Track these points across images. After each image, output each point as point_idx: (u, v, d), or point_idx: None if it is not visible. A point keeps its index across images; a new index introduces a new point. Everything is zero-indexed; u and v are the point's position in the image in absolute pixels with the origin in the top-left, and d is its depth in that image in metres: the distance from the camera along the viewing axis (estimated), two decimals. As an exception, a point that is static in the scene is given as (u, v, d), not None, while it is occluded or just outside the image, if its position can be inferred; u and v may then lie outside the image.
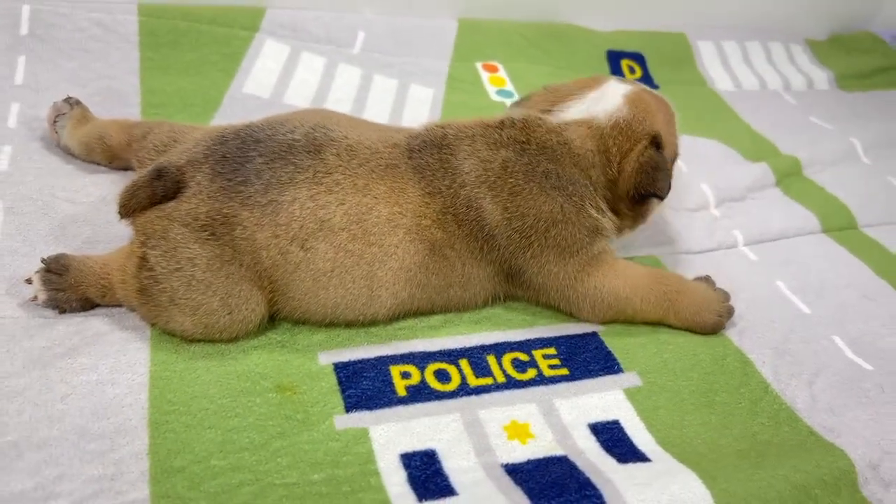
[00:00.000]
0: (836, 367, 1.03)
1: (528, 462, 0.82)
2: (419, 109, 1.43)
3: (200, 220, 0.88)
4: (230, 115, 1.28)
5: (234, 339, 0.91)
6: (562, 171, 0.99)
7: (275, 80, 1.38)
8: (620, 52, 1.75)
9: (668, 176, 1.03)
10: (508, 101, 1.51)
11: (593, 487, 0.78)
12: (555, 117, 1.03)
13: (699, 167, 1.42)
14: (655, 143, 1.03)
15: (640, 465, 0.83)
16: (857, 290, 1.20)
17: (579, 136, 1.01)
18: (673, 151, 1.07)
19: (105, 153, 1.10)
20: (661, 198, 1.03)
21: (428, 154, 0.98)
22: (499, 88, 1.53)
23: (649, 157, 1.01)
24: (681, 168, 1.40)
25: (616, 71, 1.70)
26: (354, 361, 0.91)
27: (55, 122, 1.12)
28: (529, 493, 0.77)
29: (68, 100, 1.14)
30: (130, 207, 0.90)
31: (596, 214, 1.01)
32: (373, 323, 0.95)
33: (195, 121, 1.24)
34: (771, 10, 1.95)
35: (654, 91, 1.11)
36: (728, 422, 0.92)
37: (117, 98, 1.25)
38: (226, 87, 1.34)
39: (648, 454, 0.85)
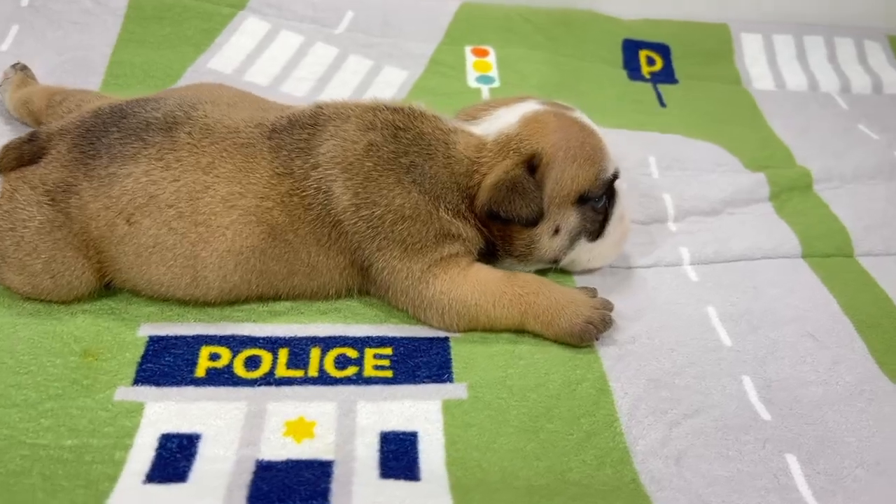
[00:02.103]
0: (724, 411, 0.88)
1: (286, 462, 0.77)
2: (384, 91, 1.39)
3: (47, 186, 0.91)
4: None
5: (65, 302, 0.93)
6: (429, 168, 0.93)
7: (243, 58, 1.40)
8: (641, 41, 1.60)
9: (532, 200, 0.93)
10: (486, 88, 1.43)
11: (323, 499, 0.72)
12: (457, 123, 0.98)
13: (675, 175, 1.28)
14: (530, 164, 0.94)
15: (401, 484, 0.76)
16: (804, 326, 1.02)
17: (464, 142, 0.95)
18: (571, 181, 0.95)
19: (30, 116, 1.17)
20: (518, 222, 0.94)
21: (291, 133, 0.95)
22: (481, 74, 1.46)
23: (512, 176, 0.92)
24: (636, 180, 1.26)
25: (631, 61, 1.56)
26: (170, 337, 0.91)
27: (1, 84, 1.21)
28: (254, 493, 0.73)
29: (15, 65, 1.22)
30: (1, 166, 0.95)
31: (450, 218, 0.93)
32: (207, 303, 0.94)
33: (147, 90, 1.29)
34: (846, 2, 1.70)
35: (579, 118, 1.00)
36: (544, 453, 0.81)
37: (85, 68, 1.32)
38: (191, 61, 1.38)
39: (424, 473, 0.78)
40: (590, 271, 1.06)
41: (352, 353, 0.91)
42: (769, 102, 1.52)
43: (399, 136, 0.94)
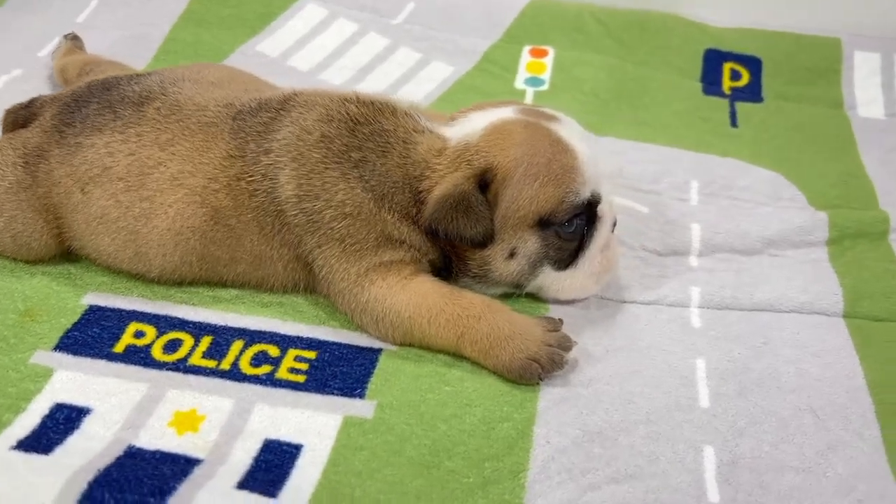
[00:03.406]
0: (663, 483, 0.75)
1: (155, 453, 0.75)
2: (423, 87, 1.33)
3: (26, 149, 0.94)
4: (229, 68, 1.34)
5: (29, 262, 0.96)
6: (381, 165, 0.87)
7: (292, 42, 1.40)
8: (727, 52, 1.42)
9: (477, 220, 0.84)
10: (533, 90, 1.33)
11: (161, 498, 0.69)
12: (433, 124, 0.91)
13: (719, 203, 1.12)
14: (482, 179, 0.85)
15: (253, 498, 0.70)
16: (808, 398, 0.84)
17: (428, 144, 0.88)
18: (530, 202, 0.85)
19: (65, 84, 1.22)
20: (463, 242, 0.85)
21: (255, 116, 0.92)
22: (531, 76, 1.36)
23: (459, 191, 0.84)
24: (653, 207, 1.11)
25: (711, 73, 1.39)
26: (107, 308, 0.91)
27: (53, 52, 1.28)
28: (100, 479, 0.70)
29: (67, 35, 1.29)
30: (3, 128, 1.01)
31: (395, 221, 0.86)
32: (152, 280, 0.94)
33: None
34: None
35: (555, 131, 0.88)
36: (429, 493, 0.73)
37: (142, 44, 1.37)
38: (241, 43, 1.39)
39: (285, 492, 0.72)
40: (570, 300, 0.95)
41: (273, 352, 0.87)
42: (870, 132, 1.29)
43: (356, 131, 0.88)
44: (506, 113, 0.90)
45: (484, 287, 0.91)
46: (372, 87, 1.32)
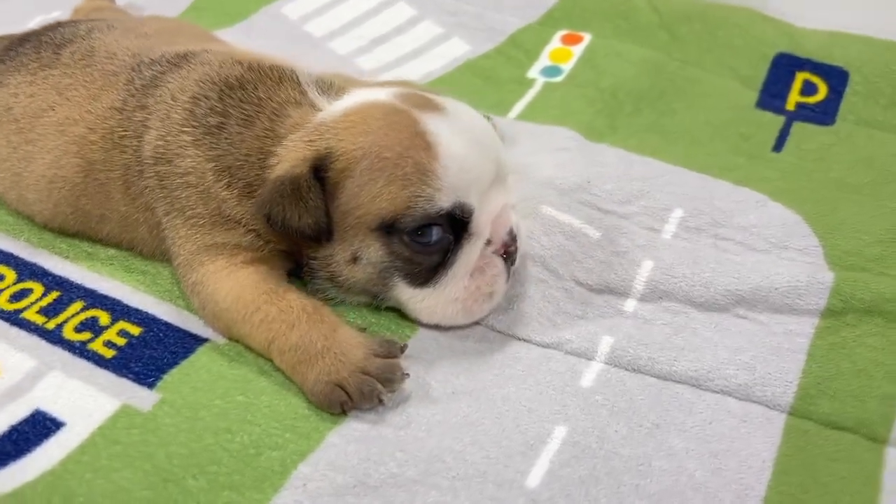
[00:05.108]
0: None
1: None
2: (429, 64, 1.21)
3: None
4: (246, 29, 1.31)
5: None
6: (237, 135, 0.79)
7: (317, 6, 1.33)
8: (805, 60, 1.14)
9: (307, 210, 0.72)
10: (544, 80, 1.16)
11: None
12: (320, 97, 0.82)
13: (701, 241, 0.90)
14: (320, 163, 0.73)
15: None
16: (680, 496, 0.64)
17: (299, 118, 0.79)
18: (371, 200, 0.72)
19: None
20: (295, 234, 0.74)
21: (149, 69, 0.87)
22: (551, 64, 1.18)
23: (292, 174, 0.73)
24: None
25: (776, 83, 1.12)
26: (-19, 246, 0.91)
27: (81, -2, 1.32)
28: None
29: (96, -19, 1.32)
30: None
31: (235, 199, 0.78)
32: (41, 225, 0.92)
33: (214, 27, 1.29)
34: None
35: (425, 123, 0.74)
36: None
37: (169, 2, 1.37)
38: (267, 3, 1.35)
39: (9, 469, 0.67)
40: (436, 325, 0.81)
41: (104, 320, 0.82)
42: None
43: (224, 95, 0.80)
44: (381, 94, 0.77)
45: (339, 292, 0.80)
46: (376, 59, 1.23)
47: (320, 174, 0.73)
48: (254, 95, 0.80)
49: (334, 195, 0.74)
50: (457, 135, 0.74)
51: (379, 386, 0.71)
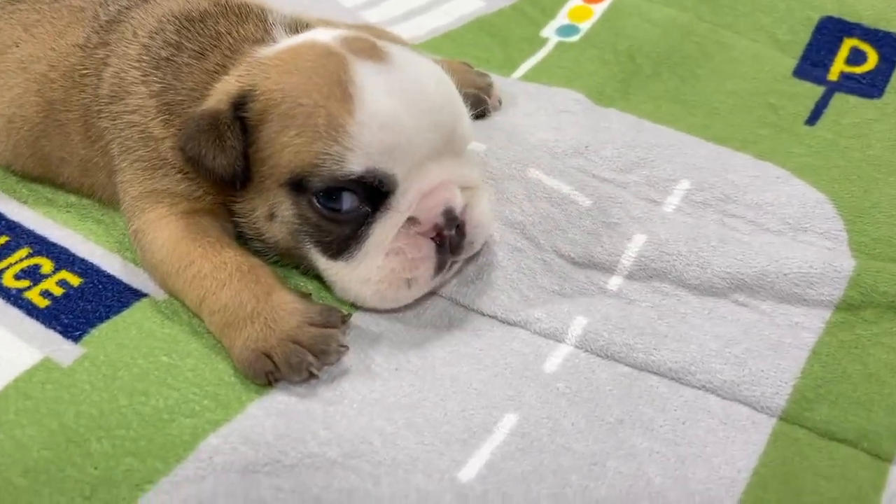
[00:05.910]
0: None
1: None
2: (438, 19, 1.13)
3: None
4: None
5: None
6: (186, 69, 0.73)
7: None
8: (855, 25, 1.01)
9: (222, 150, 0.66)
10: (557, 40, 1.06)
11: None
12: (282, 36, 0.75)
13: (707, 217, 0.80)
14: (236, 103, 0.66)
15: None
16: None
17: (245, 58, 0.71)
18: (282, 148, 0.65)
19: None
20: (208, 175, 0.68)
21: (117, 3, 0.82)
22: (568, 23, 1.08)
23: (210, 110, 0.67)
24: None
25: (819, 50, 0.99)
26: (-51, 189, 0.88)
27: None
28: None
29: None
30: None
31: (170, 143, 0.72)
32: (7, 168, 0.88)
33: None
34: None
35: (356, 71, 0.65)
36: (46, 470, 0.59)
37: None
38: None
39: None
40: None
41: (46, 269, 0.77)
42: None
43: (185, 28, 0.75)
44: (323, 35, 0.69)
45: (273, 254, 0.73)
46: (386, 11, 1.16)
47: (241, 114, 0.66)
48: (213, 29, 0.74)
49: (253, 138, 0.66)
50: (389, 90, 0.65)
51: (310, 357, 0.64)
